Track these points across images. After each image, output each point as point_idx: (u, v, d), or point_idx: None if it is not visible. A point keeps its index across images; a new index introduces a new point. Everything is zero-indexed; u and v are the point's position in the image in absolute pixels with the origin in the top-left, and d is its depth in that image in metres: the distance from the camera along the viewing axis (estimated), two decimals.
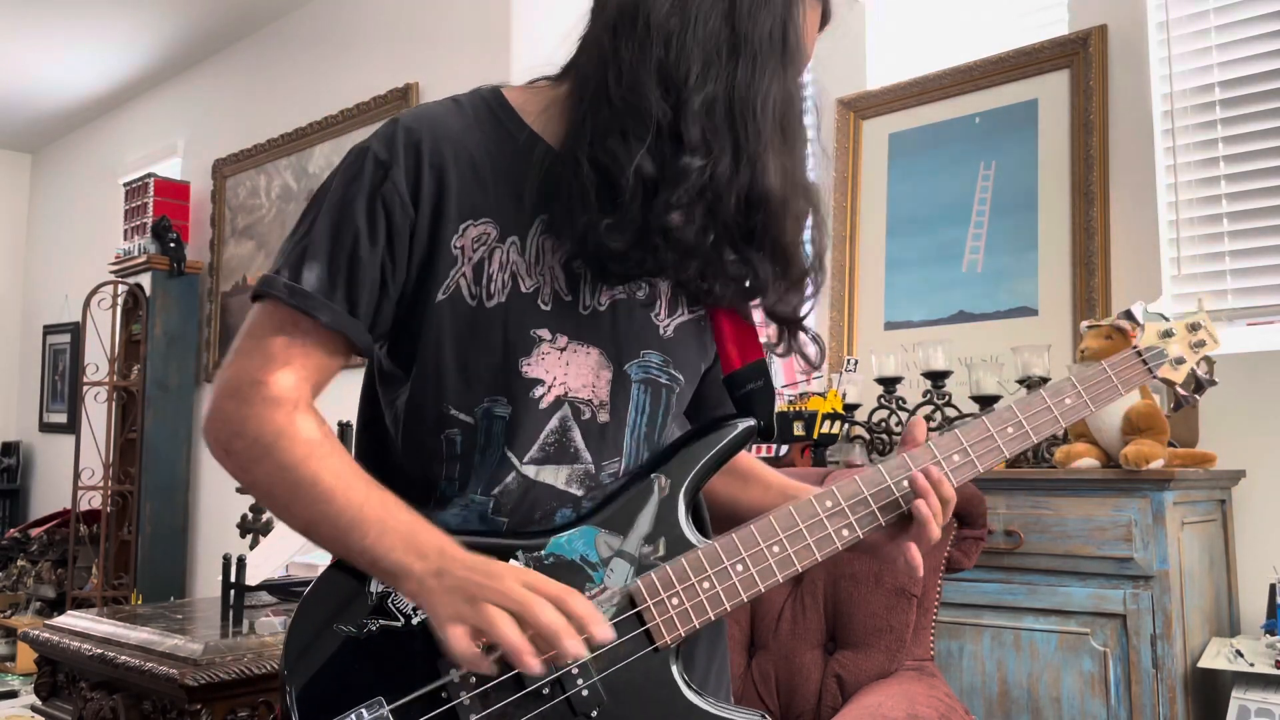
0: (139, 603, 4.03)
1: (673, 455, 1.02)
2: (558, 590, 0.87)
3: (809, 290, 1.05)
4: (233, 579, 2.24)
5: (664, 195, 0.93)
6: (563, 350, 0.99)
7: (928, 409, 2.61)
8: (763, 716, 0.98)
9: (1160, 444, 2.07)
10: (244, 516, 2.99)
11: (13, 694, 4.41)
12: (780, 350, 1.10)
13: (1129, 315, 1.20)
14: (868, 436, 2.77)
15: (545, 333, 0.99)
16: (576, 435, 1.00)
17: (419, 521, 0.92)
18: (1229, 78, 2.51)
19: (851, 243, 3.07)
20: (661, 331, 1.04)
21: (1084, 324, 2.23)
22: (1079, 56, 2.70)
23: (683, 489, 1.00)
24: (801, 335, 1.09)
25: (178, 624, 2.15)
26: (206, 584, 4.79)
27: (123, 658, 1.97)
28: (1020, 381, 2.42)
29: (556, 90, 1.03)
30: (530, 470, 0.99)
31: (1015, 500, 2.16)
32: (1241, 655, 2.01)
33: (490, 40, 3.69)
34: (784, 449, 2.63)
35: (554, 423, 0.99)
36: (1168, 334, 1.17)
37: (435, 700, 0.91)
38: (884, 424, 2.73)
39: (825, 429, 2.62)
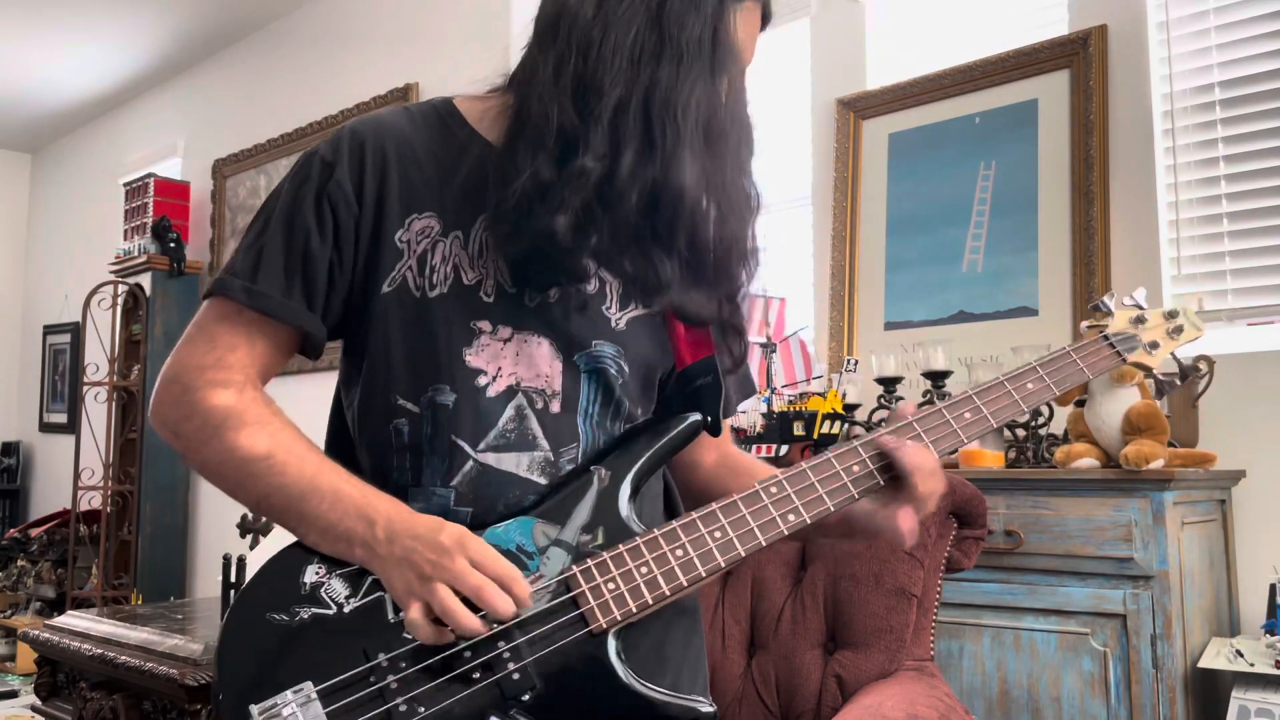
0: (139, 603, 4.03)
1: (616, 448, 1.04)
2: (504, 570, 0.91)
3: (739, 294, 1.07)
4: (233, 579, 2.24)
5: (552, 199, 0.94)
6: (506, 341, 1.02)
7: (928, 409, 2.60)
8: (707, 703, 0.97)
9: (1160, 444, 2.07)
10: (244, 516, 2.98)
11: (13, 694, 4.40)
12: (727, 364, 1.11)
13: (1100, 306, 1.20)
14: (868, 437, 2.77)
15: (486, 324, 1.01)
16: (533, 423, 1.02)
17: (370, 489, 0.96)
18: (1229, 78, 2.51)
19: (851, 243, 3.07)
20: (613, 324, 1.05)
21: (1084, 324, 2.23)
22: (1079, 56, 2.70)
23: (625, 480, 1.01)
24: (728, 339, 1.10)
25: (178, 624, 2.15)
26: (206, 584, 4.79)
27: (123, 658, 1.97)
28: None
29: (504, 98, 1.05)
30: (489, 458, 1.00)
31: (1015, 500, 2.16)
32: (1241, 655, 2.01)
33: (490, 40, 3.69)
34: (784, 449, 2.63)
35: (510, 411, 1.01)
36: (1139, 320, 1.17)
37: (363, 683, 0.92)
38: (884, 424, 2.72)
39: (825, 429, 2.62)
